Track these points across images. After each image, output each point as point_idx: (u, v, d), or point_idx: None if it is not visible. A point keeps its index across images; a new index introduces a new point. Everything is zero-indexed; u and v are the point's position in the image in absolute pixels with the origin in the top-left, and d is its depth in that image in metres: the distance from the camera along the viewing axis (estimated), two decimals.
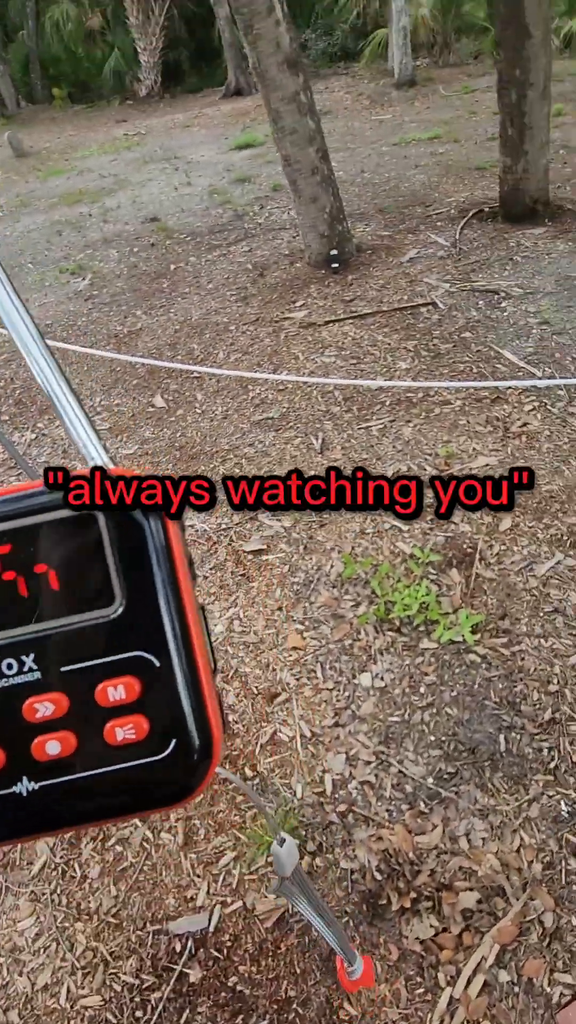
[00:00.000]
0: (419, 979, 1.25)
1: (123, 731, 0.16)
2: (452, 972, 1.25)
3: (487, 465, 2.43)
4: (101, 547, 0.16)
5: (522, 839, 1.42)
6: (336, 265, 4.04)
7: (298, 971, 1.29)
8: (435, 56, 11.10)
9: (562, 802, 1.46)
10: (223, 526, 2.39)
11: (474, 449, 2.51)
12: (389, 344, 3.26)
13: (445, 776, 1.55)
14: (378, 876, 1.40)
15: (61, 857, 1.53)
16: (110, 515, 0.16)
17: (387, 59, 10.56)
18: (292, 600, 2.07)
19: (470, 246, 4.13)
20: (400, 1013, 1.22)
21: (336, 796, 1.56)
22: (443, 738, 1.63)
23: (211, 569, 2.23)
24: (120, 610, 0.17)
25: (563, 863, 1.37)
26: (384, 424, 2.74)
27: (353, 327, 3.49)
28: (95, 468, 0.17)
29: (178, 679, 0.17)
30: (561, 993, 1.19)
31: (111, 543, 0.16)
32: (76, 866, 1.51)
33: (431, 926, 1.32)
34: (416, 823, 1.48)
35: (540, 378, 2.78)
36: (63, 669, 0.16)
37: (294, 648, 1.92)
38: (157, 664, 0.17)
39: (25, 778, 0.16)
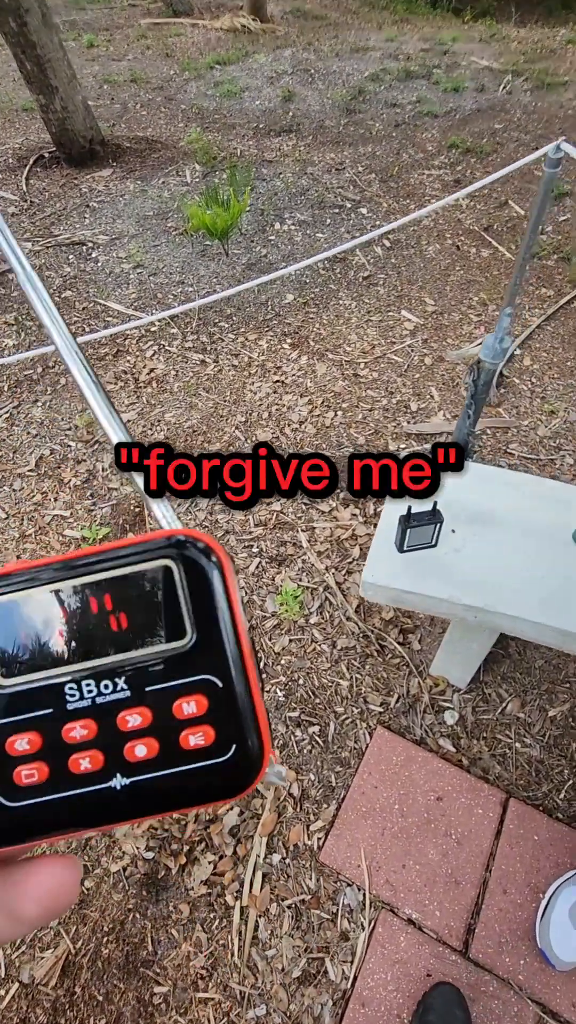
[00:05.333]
0: (212, 914, 1.32)
1: (195, 738, 0.21)
2: (237, 887, 1.35)
3: (129, 421, 2.41)
4: (176, 592, 0.21)
5: None
6: None
7: (101, 997, 1.23)
8: None
9: (277, 690, 1.66)
10: None
11: None
12: None
13: None
14: (148, 855, 1.40)
15: None
16: (185, 566, 0.21)
17: None
18: None
19: (42, 197, 3.83)
20: (206, 955, 1.28)
21: None
22: None
23: None
24: (191, 642, 0.21)
25: (292, 737, 1.57)
26: (9, 412, 2.47)
27: None
28: (178, 533, 0.21)
29: (237, 697, 0.21)
30: (318, 839, 1.41)
31: (183, 589, 0.21)
32: None
33: (209, 863, 1.39)
34: None
35: (147, 317, 2.83)
36: (147, 689, 0.21)
37: None
38: (220, 685, 0.21)
39: (119, 775, 0.21)
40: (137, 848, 1.41)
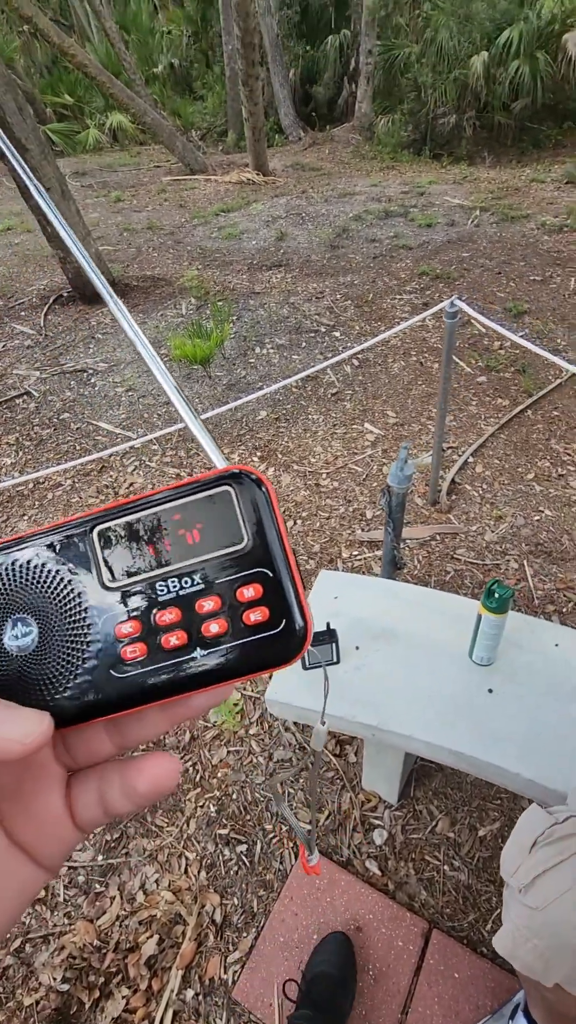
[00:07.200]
0: None
1: (254, 615, 0.26)
2: None
3: None
4: (235, 509, 0.27)
5: (187, 858, 1.57)
6: None
7: None
8: None
9: (210, 805, 1.67)
10: None
11: None
12: None
13: (111, 846, 1.61)
14: (63, 987, 1.37)
15: None
16: (240, 490, 0.27)
17: None
18: None
19: (55, 331, 4.36)
20: None
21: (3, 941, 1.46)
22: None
23: None
24: (248, 545, 0.26)
25: (220, 857, 1.56)
26: None
27: None
28: (233, 468, 0.28)
29: (284, 583, 0.26)
30: (234, 971, 1.36)
31: (240, 506, 0.27)
32: None
33: (122, 997, 1.35)
34: (95, 907, 1.50)
35: (135, 439, 3.11)
36: (217, 581, 0.26)
37: None
38: (271, 575, 0.26)
39: (199, 648, 0.26)
40: (53, 979, 1.39)
